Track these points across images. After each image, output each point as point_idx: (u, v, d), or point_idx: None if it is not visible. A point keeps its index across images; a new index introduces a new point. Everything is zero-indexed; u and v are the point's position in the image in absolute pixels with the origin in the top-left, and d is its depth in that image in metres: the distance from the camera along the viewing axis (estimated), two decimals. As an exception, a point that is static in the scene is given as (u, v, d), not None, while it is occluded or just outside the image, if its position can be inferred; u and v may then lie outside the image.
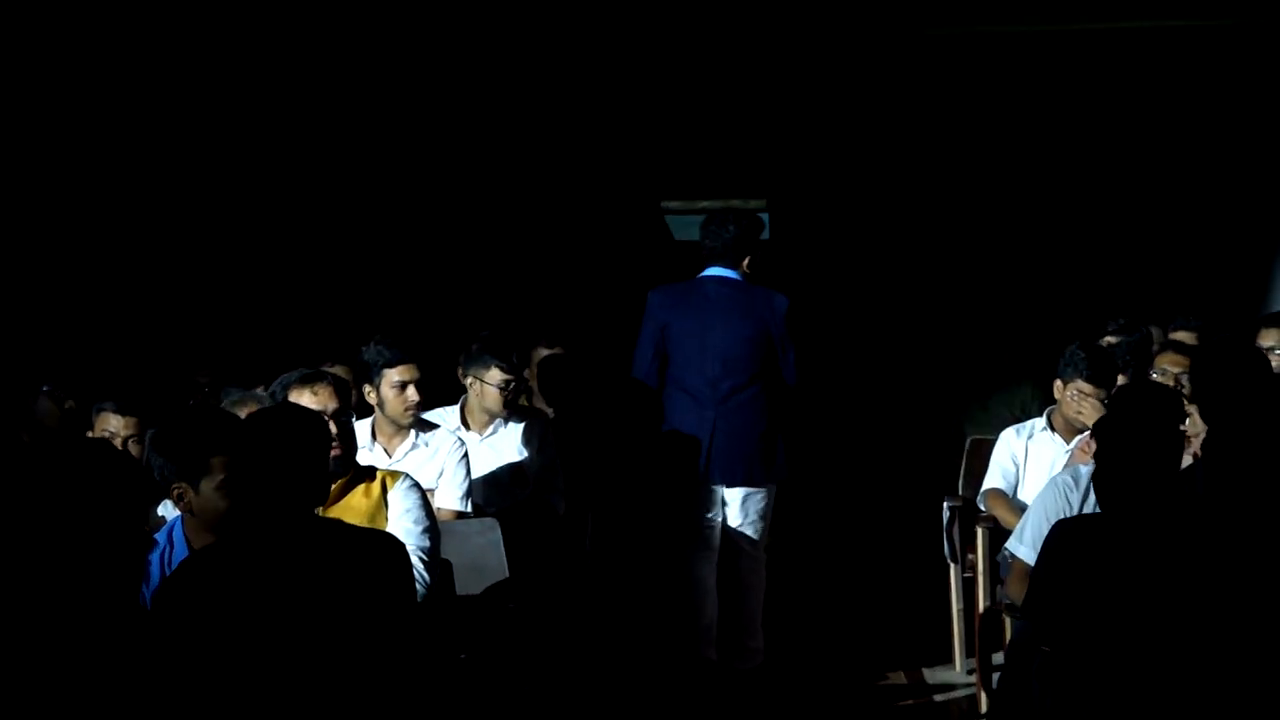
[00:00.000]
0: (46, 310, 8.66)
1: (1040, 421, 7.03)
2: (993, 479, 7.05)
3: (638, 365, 7.52)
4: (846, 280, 10.13)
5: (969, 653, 7.37)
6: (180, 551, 4.72)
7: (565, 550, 7.04)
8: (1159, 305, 8.67)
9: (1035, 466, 6.91)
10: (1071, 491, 5.64)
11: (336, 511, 5.26)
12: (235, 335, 8.96)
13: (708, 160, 10.70)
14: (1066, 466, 6.33)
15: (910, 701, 7.31)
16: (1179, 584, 4.50)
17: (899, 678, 7.60)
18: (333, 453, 5.27)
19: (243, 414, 5.35)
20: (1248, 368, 6.02)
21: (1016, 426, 7.14)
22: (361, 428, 6.21)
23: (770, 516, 7.44)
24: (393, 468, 5.81)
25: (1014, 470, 7.02)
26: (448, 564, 5.51)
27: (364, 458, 5.87)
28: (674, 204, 11.04)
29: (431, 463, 6.37)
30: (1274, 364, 6.91)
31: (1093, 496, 5.38)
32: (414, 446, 6.43)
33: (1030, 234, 10.62)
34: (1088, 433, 6.17)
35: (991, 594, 6.74)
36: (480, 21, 9.81)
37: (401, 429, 6.43)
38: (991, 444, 7.22)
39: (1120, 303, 8.67)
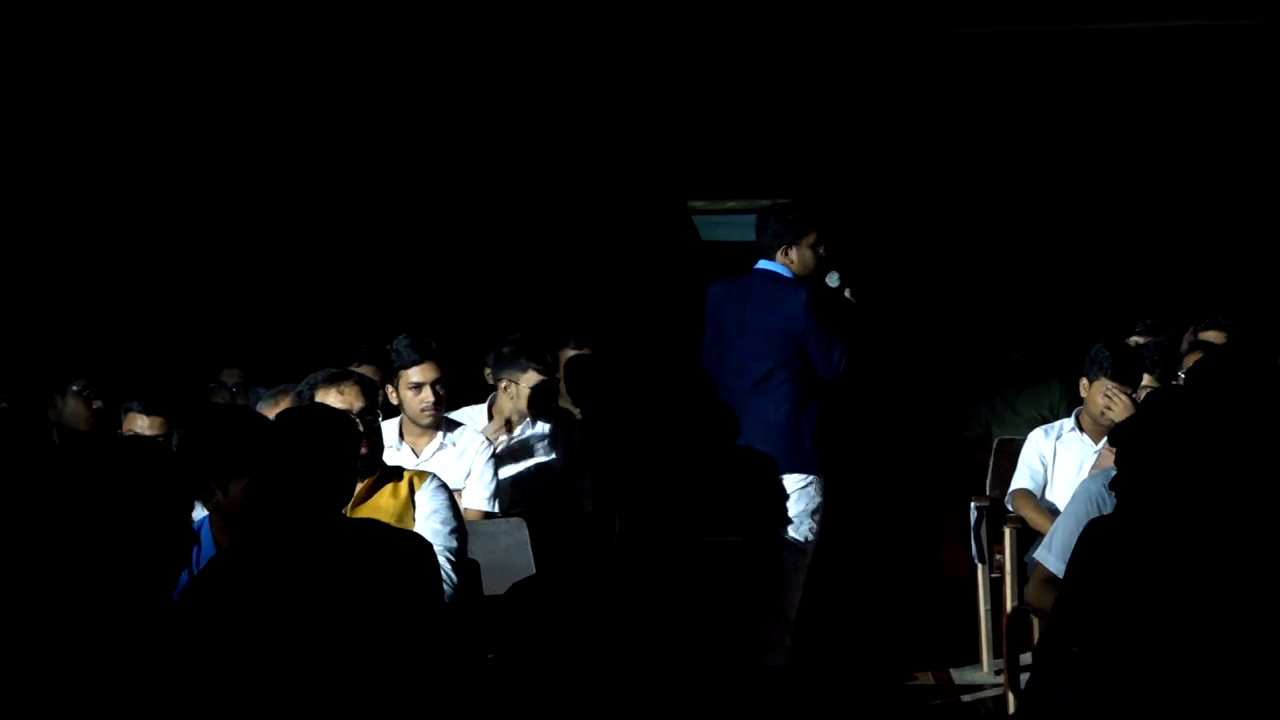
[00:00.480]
0: (73, 310, 8.68)
1: (1069, 422, 7.00)
2: (1021, 479, 7.03)
3: (704, 356, 7.69)
4: (873, 279, 10.10)
5: (996, 653, 7.36)
6: (208, 550, 4.73)
7: (592, 550, 7.04)
8: (1187, 305, 8.63)
9: (1064, 467, 6.89)
10: (1104, 501, 5.57)
11: (364, 512, 5.27)
12: (262, 335, 8.97)
13: (734, 160, 10.70)
14: (1095, 467, 6.31)
15: (938, 702, 7.30)
16: (1207, 584, 4.48)
17: (926, 678, 7.59)
18: (361, 452, 5.31)
19: (273, 412, 5.37)
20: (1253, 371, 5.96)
21: (1045, 427, 7.12)
22: (389, 427, 6.22)
23: (813, 512, 7.43)
24: (420, 468, 5.81)
25: (1042, 471, 7.00)
26: (475, 564, 5.51)
27: (391, 457, 5.88)
28: (700, 204, 11.05)
29: (459, 463, 6.38)
30: None
31: None
32: (441, 446, 6.43)
33: (1058, 233, 10.60)
34: None
35: (1019, 595, 6.72)
36: (508, 21, 9.81)
37: (428, 429, 6.43)
38: (1019, 444, 7.20)
39: (1148, 303, 8.65)
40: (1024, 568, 6.69)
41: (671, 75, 10.30)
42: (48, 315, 8.50)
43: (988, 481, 7.56)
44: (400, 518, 5.27)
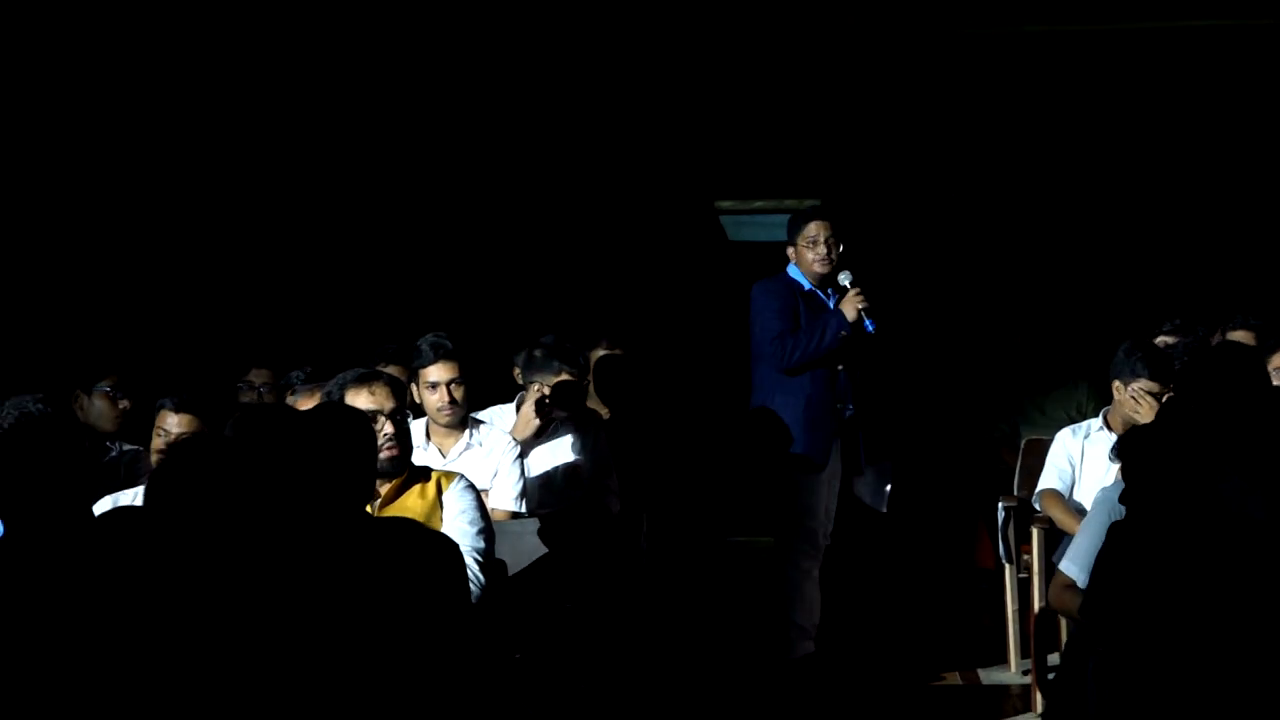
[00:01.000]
0: (101, 310, 8.71)
1: (1096, 422, 7.00)
2: (1048, 479, 7.03)
3: None
4: (901, 279, 10.10)
5: (1024, 653, 7.35)
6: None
7: (619, 550, 7.05)
8: (1215, 305, 8.61)
9: (1091, 467, 6.89)
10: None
11: (392, 512, 5.28)
12: (291, 335, 8.99)
13: (762, 160, 10.70)
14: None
15: (965, 702, 7.29)
16: (1231, 585, 4.48)
17: (954, 678, 7.59)
18: (389, 453, 5.32)
19: (303, 406, 5.41)
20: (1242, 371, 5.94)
21: (1073, 427, 7.11)
22: (417, 428, 6.23)
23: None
24: (447, 468, 5.81)
25: (1070, 471, 6.99)
26: (501, 564, 5.52)
27: (418, 458, 5.88)
28: (728, 204, 11.05)
29: (486, 462, 6.38)
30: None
31: None
32: (468, 446, 6.43)
33: (1086, 233, 10.58)
34: None
35: (1046, 595, 6.71)
36: (539, 23, 9.83)
37: (451, 428, 6.44)
38: (1047, 444, 7.20)
39: (1175, 302, 8.62)
40: (1052, 568, 6.66)
41: (699, 75, 10.31)
42: (75, 315, 8.53)
43: (1015, 481, 7.55)
44: (428, 518, 5.28)
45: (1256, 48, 9.84)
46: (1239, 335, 7.51)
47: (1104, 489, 5.81)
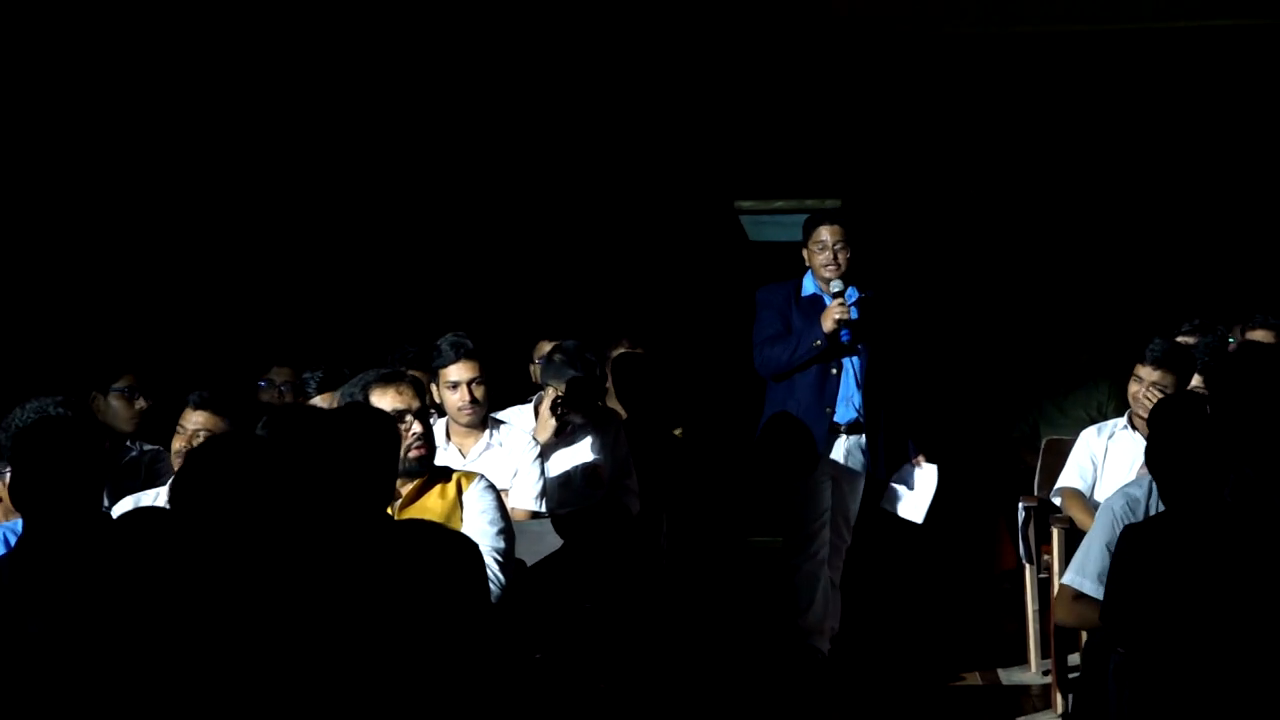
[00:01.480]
0: (119, 310, 8.72)
1: (1121, 421, 7.01)
2: (1069, 477, 7.02)
3: None
4: (922, 279, 10.09)
5: (1044, 654, 7.35)
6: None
7: (639, 550, 7.06)
8: (1234, 305, 8.60)
9: (1114, 466, 6.89)
10: (1128, 517, 5.54)
11: (413, 513, 5.29)
12: (312, 335, 8.99)
13: (782, 161, 10.69)
14: (1144, 466, 6.27)
15: (986, 702, 7.29)
16: (1251, 582, 4.48)
17: (974, 678, 7.59)
18: (416, 453, 5.34)
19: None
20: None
21: (1097, 426, 7.12)
22: (437, 428, 6.24)
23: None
24: (467, 468, 5.82)
25: (1092, 470, 6.99)
26: (522, 564, 5.52)
27: (439, 458, 5.89)
28: (748, 204, 11.04)
29: (506, 462, 6.39)
30: None
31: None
32: (488, 446, 6.44)
33: (1106, 233, 10.56)
34: None
35: (1055, 611, 6.71)
36: (560, 23, 9.84)
37: (471, 428, 6.45)
38: (1068, 444, 7.19)
39: (1195, 303, 8.61)
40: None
41: (720, 76, 10.31)
42: (90, 316, 8.54)
43: (1035, 481, 7.55)
44: (448, 518, 5.29)
45: (1270, 46, 9.83)
46: (1258, 335, 7.52)
47: (1107, 500, 5.79)
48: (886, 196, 10.49)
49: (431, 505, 5.37)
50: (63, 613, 3.63)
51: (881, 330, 7.51)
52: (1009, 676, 7.57)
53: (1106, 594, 4.89)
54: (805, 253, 7.52)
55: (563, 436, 6.95)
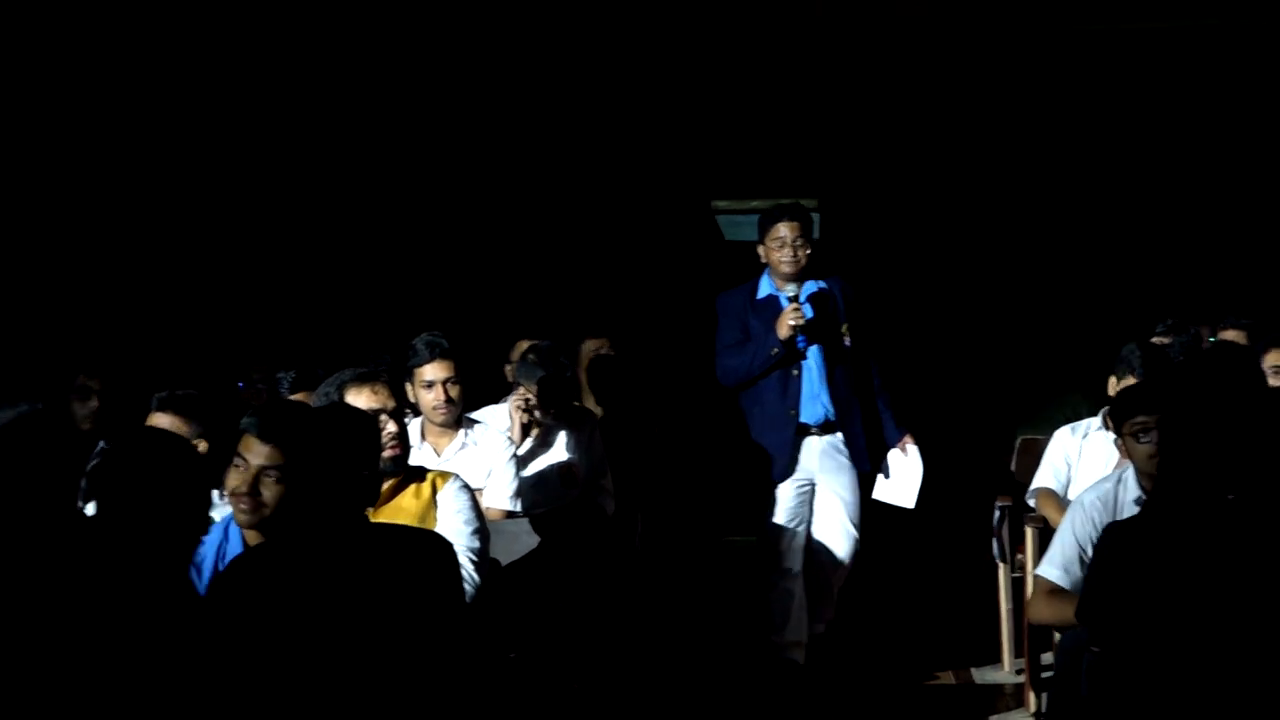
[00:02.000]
0: (83, 311, 8.69)
1: (1095, 421, 6.98)
2: (1044, 477, 7.02)
3: None
4: (896, 280, 10.11)
5: (1017, 653, 7.37)
6: (235, 548, 4.76)
7: (615, 550, 7.06)
8: (1205, 306, 8.63)
9: (1089, 465, 6.86)
10: (1100, 513, 5.55)
11: (387, 512, 5.29)
12: (283, 337, 8.99)
13: (758, 160, 10.70)
14: (1118, 465, 6.30)
15: (959, 701, 7.30)
16: (1226, 583, 4.49)
17: (948, 678, 7.60)
18: (390, 453, 5.33)
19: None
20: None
21: (1071, 425, 7.10)
22: (412, 427, 6.24)
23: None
24: (442, 467, 5.83)
25: (1066, 469, 6.99)
26: (496, 563, 5.53)
27: (413, 457, 5.89)
28: (724, 203, 11.05)
29: (480, 462, 6.40)
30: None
31: (1127, 515, 5.38)
32: (463, 446, 6.44)
33: (1078, 237, 10.60)
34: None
35: (1028, 608, 6.72)
36: (532, 20, 9.83)
37: (446, 428, 6.46)
38: (1042, 444, 7.20)
39: (1166, 304, 8.63)
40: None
41: (696, 74, 10.32)
42: (59, 316, 8.51)
43: (1010, 481, 7.56)
44: (423, 518, 5.29)
45: (1237, 48, 9.85)
46: (1230, 335, 7.54)
47: (1080, 495, 5.80)
48: (864, 195, 10.51)
49: (406, 505, 5.37)
50: (29, 613, 3.62)
51: (836, 324, 7.38)
52: (982, 676, 7.58)
53: (1084, 591, 4.90)
54: (761, 249, 7.38)
55: (537, 436, 6.96)
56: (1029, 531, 6.91)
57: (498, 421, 6.93)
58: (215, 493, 5.40)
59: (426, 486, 5.43)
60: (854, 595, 7.92)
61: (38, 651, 3.54)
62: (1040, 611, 5.54)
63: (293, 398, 6.79)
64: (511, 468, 6.45)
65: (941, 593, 8.87)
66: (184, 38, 9.08)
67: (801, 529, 7.38)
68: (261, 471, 4.55)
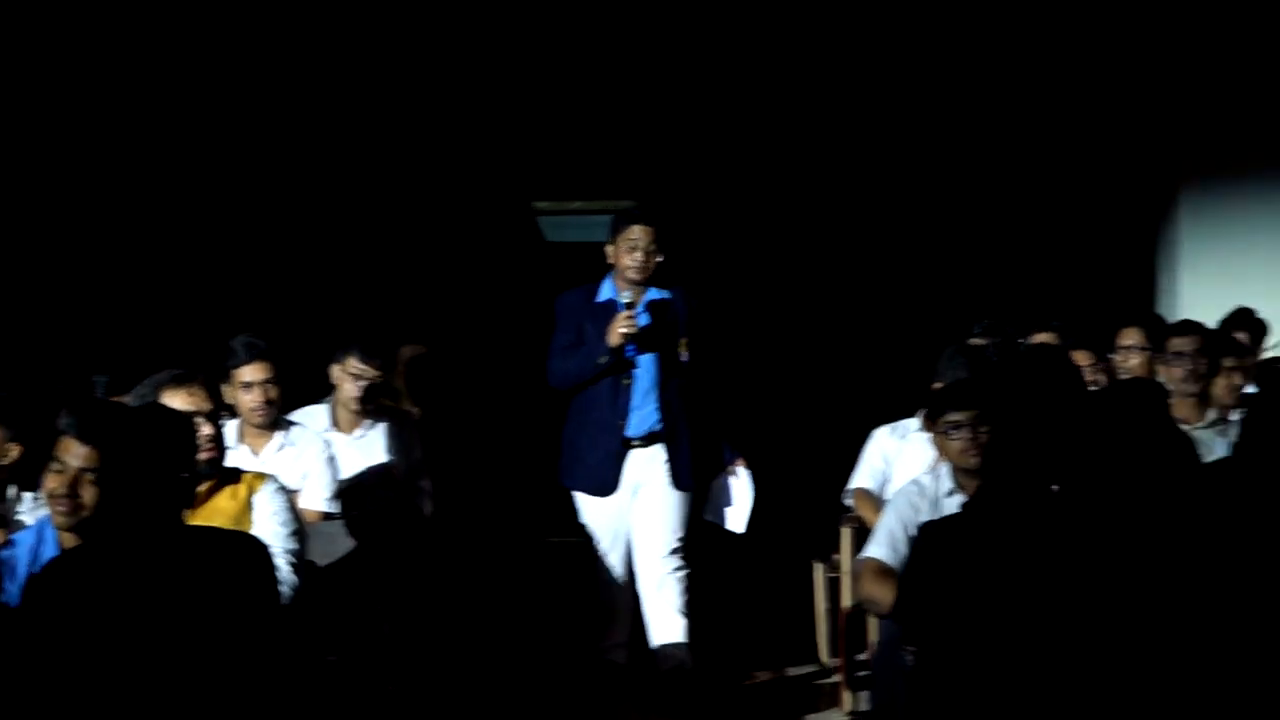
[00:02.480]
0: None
1: (914, 422, 6.93)
2: (861, 477, 7.05)
3: None
4: (712, 281, 10.17)
5: (834, 652, 7.43)
6: (50, 550, 4.69)
7: (432, 551, 7.04)
8: (1018, 308, 8.76)
9: (907, 465, 6.84)
10: (918, 499, 5.59)
11: (203, 514, 5.24)
12: (103, 340, 8.85)
13: (579, 161, 10.72)
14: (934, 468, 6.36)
15: (775, 700, 7.34)
16: (1043, 582, 4.55)
17: (764, 676, 7.65)
18: (206, 454, 5.28)
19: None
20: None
21: (891, 425, 7.11)
22: (229, 428, 6.18)
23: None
24: (258, 468, 5.79)
25: (883, 468, 7.02)
26: (314, 565, 5.50)
27: (231, 458, 5.84)
28: (545, 204, 11.06)
29: (297, 463, 6.38)
30: (1133, 362, 7.05)
31: (941, 506, 5.44)
32: (281, 447, 6.43)
33: (896, 237, 10.72)
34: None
35: (855, 589, 6.77)
36: (358, 20, 9.78)
37: (263, 429, 6.42)
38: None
39: (979, 308, 8.72)
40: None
41: (517, 76, 10.31)
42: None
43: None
44: (238, 520, 5.25)
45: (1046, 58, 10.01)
46: (1042, 337, 7.66)
47: (907, 483, 5.83)
48: (682, 200, 10.56)
49: (222, 507, 5.33)
50: None
51: (674, 336, 7.12)
52: (798, 675, 7.63)
53: (900, 590, 4.93)
54: (610, 249, 7.07)
55: (356, 436, 6.93)
56: (844, 531, 6.96)
57: (315, 422, 6.89)
58: (30, 495, 5.34)
59: (243, 488, 5.39)
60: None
61: None
62: (869, 589, 5.49)
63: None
64: (329, 469, 6.44)
65: (757, 592, 8.92)
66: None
67: (621, 540, 7.15)
68: (80, 473, 4.53)
